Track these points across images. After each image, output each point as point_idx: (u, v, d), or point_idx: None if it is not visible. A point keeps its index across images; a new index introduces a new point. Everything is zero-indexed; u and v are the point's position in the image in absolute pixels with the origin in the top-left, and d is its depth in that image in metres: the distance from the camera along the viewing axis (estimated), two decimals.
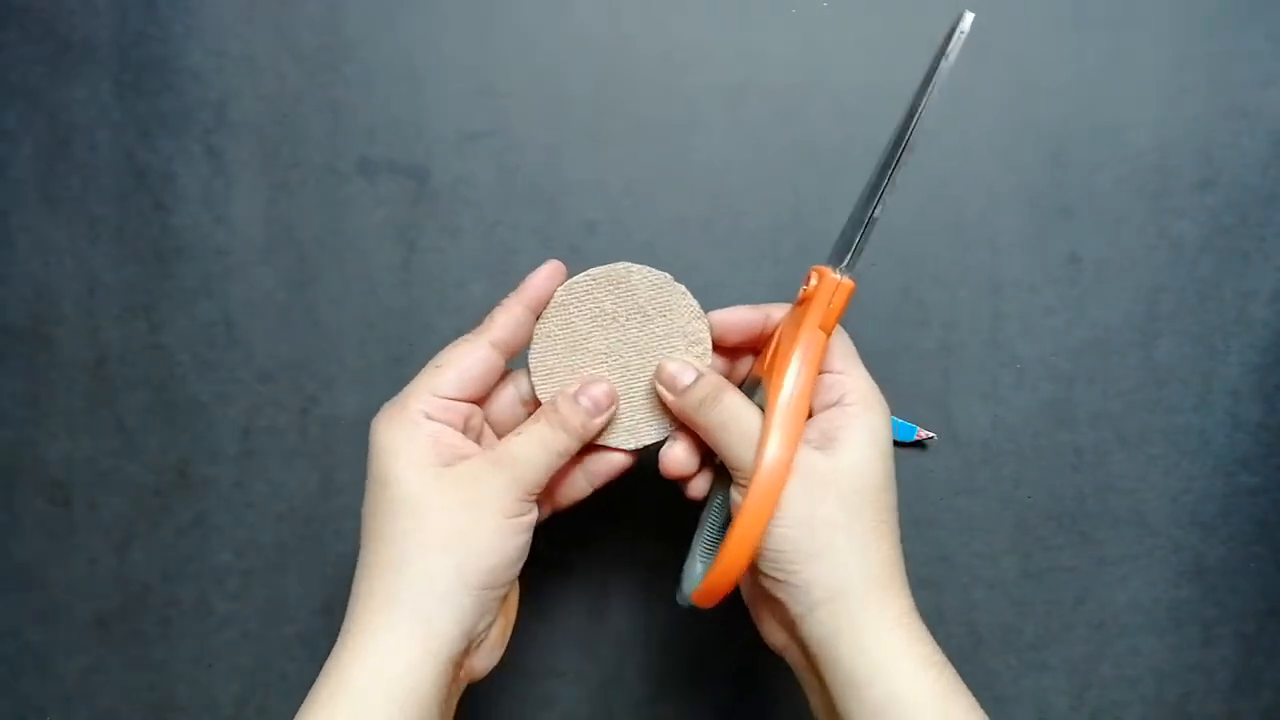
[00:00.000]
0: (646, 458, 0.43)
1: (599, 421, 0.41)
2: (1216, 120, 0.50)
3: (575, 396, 0.40)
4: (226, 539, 0.49)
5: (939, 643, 0.36)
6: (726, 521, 0.41)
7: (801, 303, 0.40)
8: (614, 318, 0.42)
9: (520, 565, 0.39)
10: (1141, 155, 0.50)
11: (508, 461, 0.38)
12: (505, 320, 0.40)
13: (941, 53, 0.38)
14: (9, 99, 0.49)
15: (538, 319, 0.41)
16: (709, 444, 0.40)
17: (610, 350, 0.42)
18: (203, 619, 0.49)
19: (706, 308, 0.42)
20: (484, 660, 0.40)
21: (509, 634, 0.41)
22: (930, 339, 0.50)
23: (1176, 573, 0.50)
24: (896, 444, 0.49)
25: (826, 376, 0.40)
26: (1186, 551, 0.50)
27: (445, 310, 0.49)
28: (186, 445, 0.49)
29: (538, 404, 0.41)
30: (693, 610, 0.40)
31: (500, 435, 0.41)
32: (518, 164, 0.50)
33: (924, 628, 0.37)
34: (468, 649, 0.37)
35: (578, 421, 0.40)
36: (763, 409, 0.38)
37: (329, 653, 0.36)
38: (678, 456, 0.41)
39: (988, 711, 0.36)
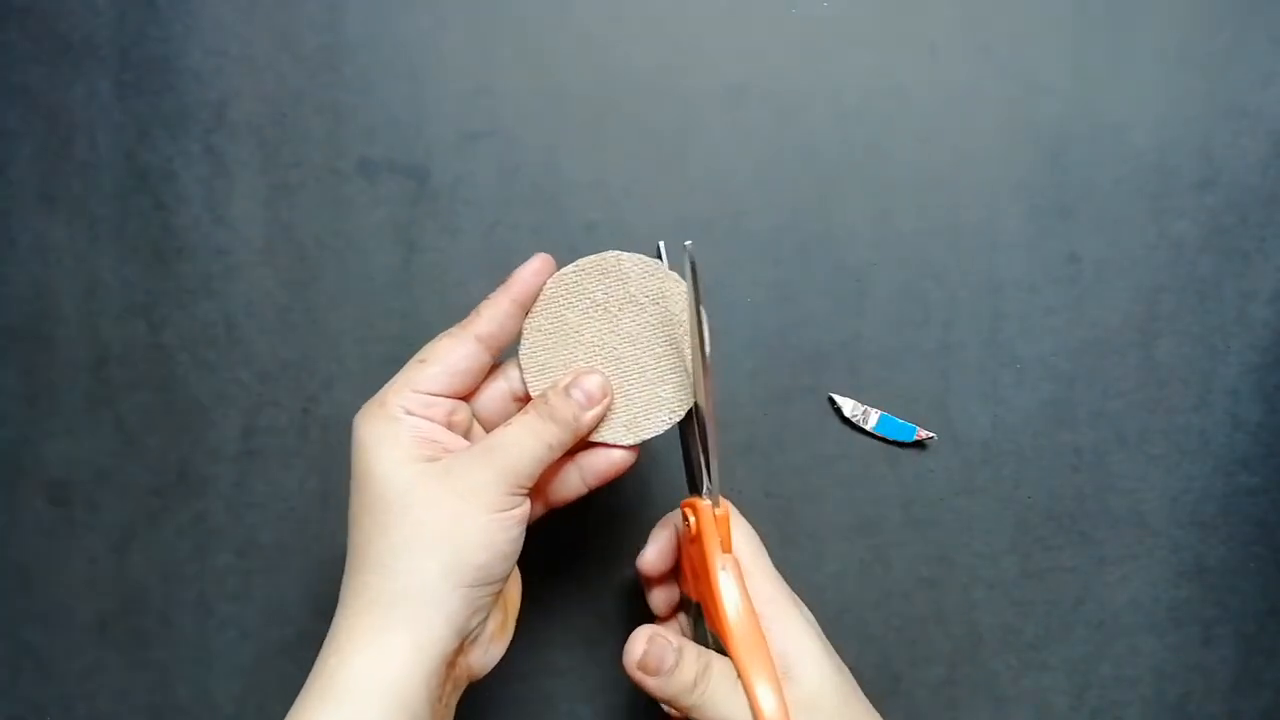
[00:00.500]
0: (643, 461, 0.42)
1: (592, 414, 0.39)
2: (1216, 120, 0.50)
3: (567, 389, 0.39)
4: (226, 539, 0.49)
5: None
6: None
7: (693, 541, 0.40)
8: (605, 308, 0.40)
9: (513, 560, 0.38)
10: (1141, 155, 0.50)
11: (495, 452, 0.37)
12: (491, 314, 0.39)
13: (695, 292, 0.38)
14: (9, 99, 0.49)
15: (527, 314, 0.40)
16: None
17: (603, 342, 0.40)
18: (203, 619, 0.49)
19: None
20: (483, 656, 0.39)
21: (511, 628, 0.40)
22: (930, 339, 0.50)
23: (1176, 573, 0.50)
24: (897, 444, 0.50)
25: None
26: (1186, 551, 0.50)
27: (445, 310, 0.49)
28: (186, 445, 0.49)
29: (529, 400, 0.40)
30: None
31: (490, 430, 0.40)
32: (518, 164, 0.50)
33: None
34: (461, 647, 0.37)
35: (569, 413, 0.38)
36: (713, 634, 0.39)
37: None
38: (652, 562, 0.41)
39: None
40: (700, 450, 0.40)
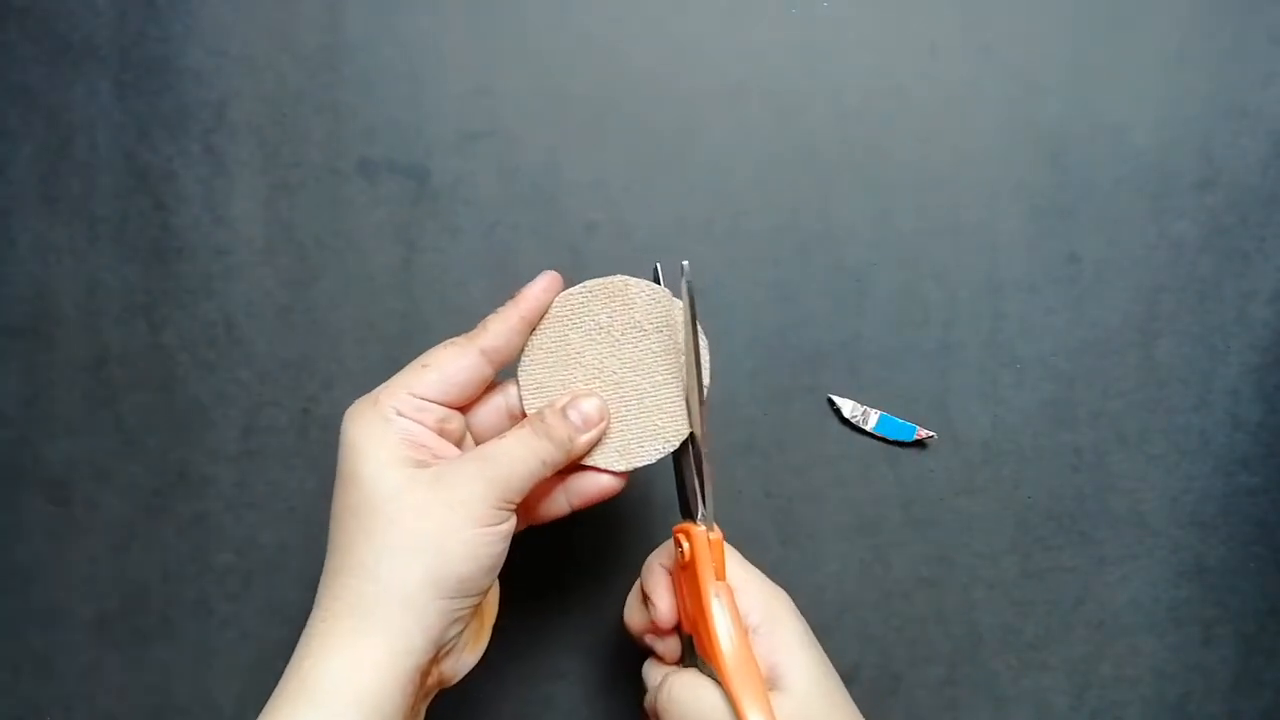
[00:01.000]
0: (635, 480, 0.42)
1: (587, 437, 0.39)
2: (1216, 120, 0.50)
3: (564, 409, 0.39)
4: (226, 539, 0.49)
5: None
6: None
7: (685, 567, 0.40)
8: (609, 332, 0.40)
9: (495, 574, 0.37)
10: (1141, 155, 0.50)
11: (487, 463, 0.37)
12: (499, 328, 0.39)
13: (690, 312, 0.39)
14: (9, 99, 0.49)
15: (531, 331, 0.40)
16: None
17: (604, 366, 0.40)
18: (203, 619, 0.49)
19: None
20: (456, 665, 0.38)
21: (485, 638, 0.40)
22: (930, 339, 0.50)
23: (1176, 573, 0.50)
24: (897, 444, 0.50)
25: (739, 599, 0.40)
26: (1186, 551, 0.50)
27: (445, 310, 0.49)
28: (186, 445, 0.49)
29: (524, 418, 0.40)
30: None
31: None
32: (518, 164, 0.50)
33: None
34: (436, 657, 0.36)
35: (564, 433, 0.38)
36: (703, 660, 0.39)
37: None
38: (667, 615, 0.41)
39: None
40: (695, 475, 0.40)
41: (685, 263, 0.38)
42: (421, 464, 0.37)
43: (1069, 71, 0.50)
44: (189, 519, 0.49)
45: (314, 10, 0.49)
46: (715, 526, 0.40)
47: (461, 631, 0.37)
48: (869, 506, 0.50)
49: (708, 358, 0.41)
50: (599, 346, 0.40)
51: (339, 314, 0.49)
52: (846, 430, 0.50)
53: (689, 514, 0.41)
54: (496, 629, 0.41)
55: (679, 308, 0.40)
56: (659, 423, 0.40)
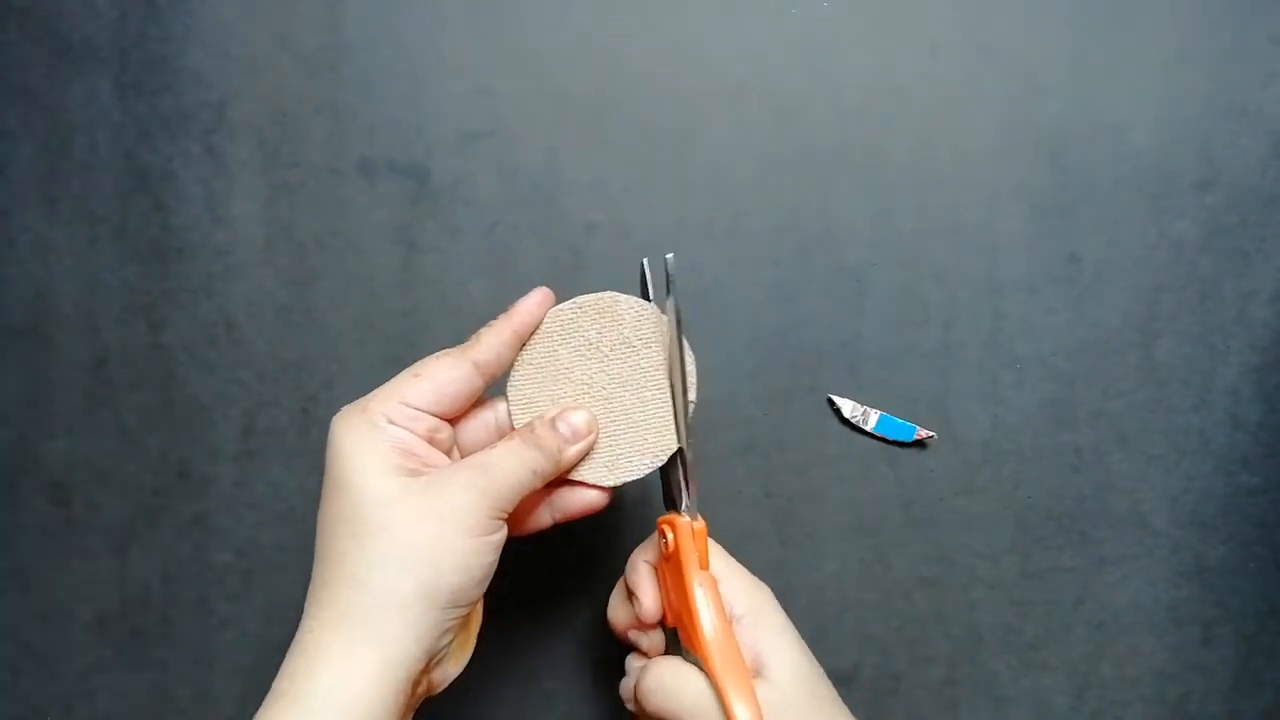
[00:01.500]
0: (621, 493, 0.42)
1: (576, 450, 0.39)
2: (1216, 120, 0.50)
3: (553, 421, 0.39)
4: (226, 539, 0.49)
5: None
6: None
7: (668, 558, 0.40)
8: (598, 348, 0.40)
9: (485, 585, 0.37)
10: (1141, 155, 0.50)
11: (479, 473, 0.36)
12: (492, 341, 0.39)
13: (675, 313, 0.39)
14: (9, 99, 0.49)
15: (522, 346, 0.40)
16: None
17: (593, 381, 0.40)
18: (203, 619, 0.49)
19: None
20: (444, 674, 0.38)
21: (471, 647, 0.40)
22: (930, 339, 0.50)
23: (1176, 573, 0.50)
24: (897, 444, 0.50)
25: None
26: (1186, 551, 0.50)
27: (445, 310, 0.49)
28: (186, 445, 0.49)
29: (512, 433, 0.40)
30: None
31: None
32: (518, 164, 0.50)
33: None
34: (427, 666, 0.36)
35: (554, 445, 0.38)
36: (687, 650, 0.39)
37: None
38: (652, 609, 0.41)
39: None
40: (680, 469, 0.41)
41: (669, 256, 0.38)
42: (413, 472, 0.36)
43: (1069, 71, 0.50)
44: (189, 519, 0.49)
45: (314, 10, 0.49)
46: (699, 517, 0.40)
47: (452, 640, 0.37)
48: (869, 506, 0.50)
49: (693, 369, 0.41)
50: (588, 362, 0.40)
51: (339, 314, 0.49)
52: (846, 430, 0.50)
53: (673, 505, 0.41)
54: (481, 636, 0.41)
55: (668, 324, 0.40)
56: (647, 438, 0.40)
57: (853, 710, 0.40)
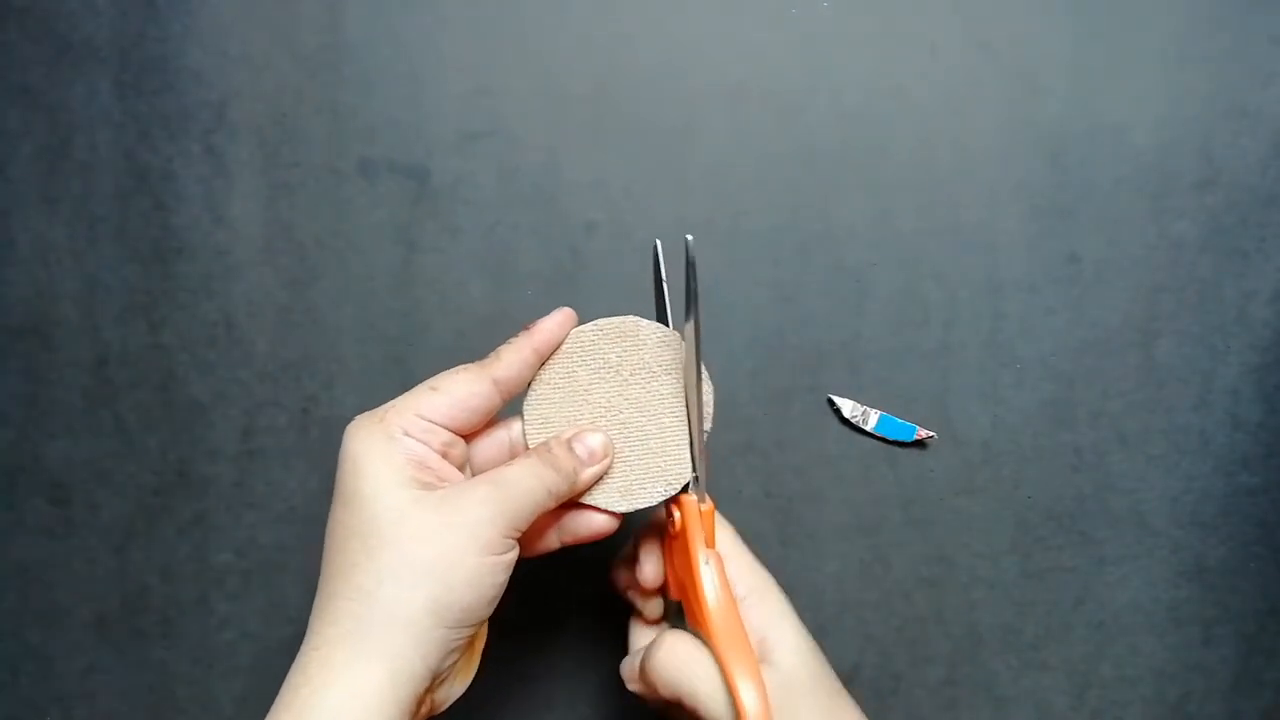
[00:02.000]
0: (628, 518, 0.41)
1: (591, 472, 0.39)
2: (1216, 120, 0.50)
3: (569, 442, 0.39)
4: (226, 539, 0.49)
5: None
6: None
7: (676, 537, 0.40)
8: (617, 371, 0.40)
9: (494, 604, 0.36)
10: (1141, 155, 0.50)
11: (495, 489, 0.36)
12: (512, 359, 0.38)
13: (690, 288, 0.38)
14: (9, 99, 0.49)
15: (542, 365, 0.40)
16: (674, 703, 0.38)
17: (610, 405, 0.40)
18: (203, 619, 0.49)
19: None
20: (449, 692, 0.38)
21: (475, 665, 0.39)
22: (930, 339, 0.50)
23: (1176, 573, 0.50)
24: (897, 444, 0.50)
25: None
26: (1186, 551, 0.50)
27: (445, 310, 0.49)
28: (186, 445, 0.49)
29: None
30: None
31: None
32: (518, 164, 0.50)
33: None
34: (431, 686, 0.36)
35: (570, 466, 0.38)
36: (694, 629, 0.39)
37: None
38: (652, 576, 0.41)
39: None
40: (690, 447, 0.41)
41: (689, 237, 0.37)
42: (428, 486, 0.36)
43: (1069, 71, 0.50)
44: (189, 519, 0.49)
45: (314, 10, 0.49)
46: (707, 498, 0.40)
47: (455, 660, 0.37)
48: (869, 506, 0.50)
49: (711, 399, 0.40)
50: (607, 385, 0.40)
51: (339, 314, 0.49)
52: (846, 430, 0.50)
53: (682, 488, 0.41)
54: (485, 656, 0.41)
55: (688, 349, 0.39)
56: (662, 464, 0.40)
57: None
